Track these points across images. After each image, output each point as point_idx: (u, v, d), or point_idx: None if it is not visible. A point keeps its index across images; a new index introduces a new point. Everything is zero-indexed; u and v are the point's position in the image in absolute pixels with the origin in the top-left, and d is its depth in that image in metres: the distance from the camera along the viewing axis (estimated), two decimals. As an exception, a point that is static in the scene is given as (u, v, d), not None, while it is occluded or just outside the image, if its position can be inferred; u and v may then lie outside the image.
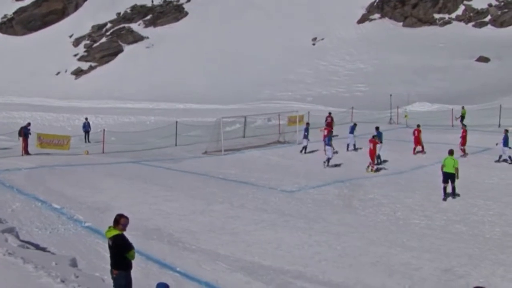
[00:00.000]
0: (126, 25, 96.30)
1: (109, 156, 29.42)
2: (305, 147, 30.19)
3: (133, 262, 9.58)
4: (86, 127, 37.41)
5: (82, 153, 29.87)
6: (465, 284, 12.21)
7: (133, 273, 9.79)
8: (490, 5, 79.38)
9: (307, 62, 75.21)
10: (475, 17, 78.38)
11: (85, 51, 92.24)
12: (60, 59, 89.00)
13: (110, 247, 9.39)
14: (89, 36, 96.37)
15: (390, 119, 42.13)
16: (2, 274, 8.94)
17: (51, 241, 14.56)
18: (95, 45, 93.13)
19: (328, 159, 26.46)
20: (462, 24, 78.30)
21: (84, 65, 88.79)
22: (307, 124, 31.36)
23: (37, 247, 13.33)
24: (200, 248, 14.58)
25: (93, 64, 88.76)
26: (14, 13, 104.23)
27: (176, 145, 33.55)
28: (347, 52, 77.12)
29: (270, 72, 72.05)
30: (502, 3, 79.03)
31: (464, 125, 32.64)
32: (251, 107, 53.36)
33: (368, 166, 25.34)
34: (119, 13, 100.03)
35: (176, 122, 35.25)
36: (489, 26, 76.02)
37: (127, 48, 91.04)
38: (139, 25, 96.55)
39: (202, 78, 72.96)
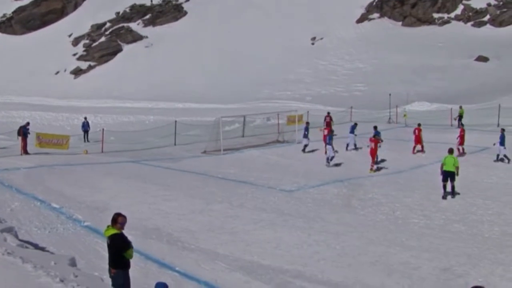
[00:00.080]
0: (125, 24, 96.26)
1: (108, 155, 29.40)
2: (305, 146, 30.20)
3: (132, 261, 9.58)
4: (85, 127, 37.42)
5: (81, 153, 29.86)
6: (464, 284, 12.21)
7: (132, 272, 9.80)
8: (489, 4, 79.41)
9: (306, 61, 75.21)
10: (474, 16, 78.40)
11: (84, 51, 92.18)
12: (59, 58, 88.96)
13: (108, 246, 9.41)
14: (88, 35, 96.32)
15: (389, 118, 42.14)
16: (1, 273, 8.93)
17: (50, 240, 14.56)
18: (94, 44, 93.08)
19: (331, 158, 26.43)
20: (461, 23, 78.32)
21: (83, 65, 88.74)
22: (307, 123, 31.37)
23: (36, 246, 13.32)
24: (199, 248, 14.58)
25: (92, 63, 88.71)
26: (13, 12, 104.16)
27: (175, 144, 33.54)
28: (346, 51, 77.12)
29: (269, 72, 72.04)
30: (501, 3, 79.05)
31: (462, 125, 32.70)
32: (250, 106, 53.38)
33: (372, 167, 25.34)
34: (118, 13, 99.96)
35: (175, 121, 35.25)
36: (488, 25, 76.05)
37: (126, 48, 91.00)
38: (138, 24, 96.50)
39: (201, 78, 72.94)
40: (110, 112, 53.62)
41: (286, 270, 13.19)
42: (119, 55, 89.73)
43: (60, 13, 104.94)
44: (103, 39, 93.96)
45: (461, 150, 27.80)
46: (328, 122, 35.99)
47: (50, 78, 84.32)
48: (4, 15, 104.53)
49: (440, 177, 20.49)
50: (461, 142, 28.10)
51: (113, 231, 9.33)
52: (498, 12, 77.42)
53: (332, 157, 26.50)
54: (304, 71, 73.03)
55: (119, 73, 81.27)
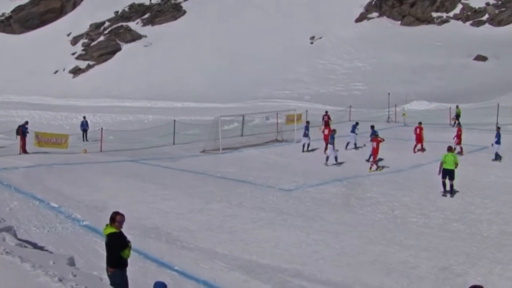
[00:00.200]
0: (124, 23, 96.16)
1: (107, 154, 29.39)
2: (307, 145, 30.21)
3: (131, 260, 9.58)
4: (84, 126, 37.42)
5: (80, 152, 29.83)
6: (462, 283, 12.21)
7: (131, 272, 9.80)
8: (487, 4, 79.44)
9: (305, 61, 75.19)
10: (472, 15, 78.43)
11: (83, 50, 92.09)
12: (58, 57, 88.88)
13: (106, 244, 9.42)
14: (87, 34, 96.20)
15: (388, 117, 42.19)
16: (0, 273, 8.93)
17: (49, 240, 14.55)
18: (93, 43, 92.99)
19: (335, 157, 26.42)
20: (460, 22, 78.33)
21: (82, 64, 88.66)
22: (307, 122, 31.39)
23: (34, 246, 13.30)
24: (198, 247, 14.57)
25: (91, 62, 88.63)
26: (12, 11, 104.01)
27: (174, 143, 33.54)
28: (345, 50, 77.12)
29: (268, 71, 72.02)
30: (500, 2, 79.04)
31: (459, 124, 32.75)
32: (249, 105, 53.42)
33: (378, 166, 25.34)
34: (117, 12, 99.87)
35: (174, 120, 35.26)
36: (486, 25, 76.08)
37: (125, 47, 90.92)
38: (137, 23, 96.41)
39: (200, 77, 72.90)
40: (109, 111, 53.66)
41: (285, 269, 13.18)
42: (118, 54, 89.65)
43: (59, 12, 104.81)
44: (102, 38, 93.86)
45: (459, 150, 27.86)
46: (326, 121, 36.05)
47: (49, 77, 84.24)
48: (3, 14, 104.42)
49: (439, 176, 20.52)
50: (458, 142, 28.16)
51: (111, 230, 9.35)
52: (496, 11, 77.45)
53: (336, 157, 26.47)
54: (303, 70, 73.01)
55: (118, 72, 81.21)
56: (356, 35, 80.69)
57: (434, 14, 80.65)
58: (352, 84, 66.85)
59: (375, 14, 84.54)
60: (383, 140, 26.03)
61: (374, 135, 26.15)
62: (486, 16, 77.50)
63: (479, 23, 76.54)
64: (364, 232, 16.17)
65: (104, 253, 9.60)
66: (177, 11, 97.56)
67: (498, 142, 26.52)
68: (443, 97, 51.48)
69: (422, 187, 21.92)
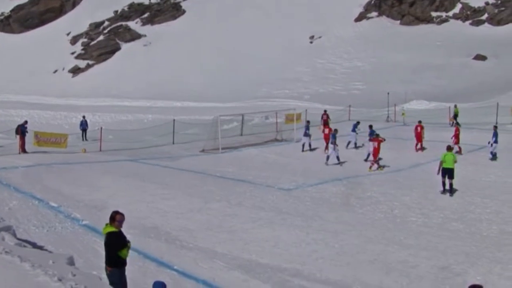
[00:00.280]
0: (123, 23, 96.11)
1: (107, 154, 29.38)
2: (309, 145, 30.18)
3: (130, 260, 9.57)
4: (84, 125, 37.40)
5: (80, 151, 29.83)
6: (462, 282, 12.21)
7: (130, 271, 9.78)
8: (487, 3, 79.43)
9: (305, 60, 75.18)
10: (472, 15, 78.42)
11: (82, 49, 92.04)
12: (58, 57, 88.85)
13: (105, 243, 9.42)
14: (86, 34, 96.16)
15: (388, 117, 42.18)
16: (-1, 272, 8.92)
17: (48, 239, 14.54)
18: (92, 43, 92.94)
19: (337, 157, 26.42)
20: (459, 22, 78.32)
21: (82, 63, 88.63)
22: (308, 122, 31.39)
23: (34, 245, 13.29)
24: (198, 246, 14.57)
25: (90, 62, 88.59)
26: (11, 11, 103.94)
27: (173, 143, 33.53)
28: (344, 50, 77.10)
29: (267, 70, 72.00)
30: (499, 2, 79.00)
31: (458, 124, 32.75)
32: (249, 105, 53.40)
33: (379, 166, 25.35)
34: (116, 11, 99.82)
35: (174, 120, 35.25)
36: (486, 24, 76.06)
37: (125, 46, 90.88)
38: (136, 23, 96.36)
39: (200, 76, 72.88)
40: (108, 111, 53.64)
41: (285, 269, 13.18)
42: (117, 54, 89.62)
43: (59, 12, 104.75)
44: (101, 37, 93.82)
45: (457, 149, 27.87)
46: (325, 120, 36.05)
47: (48, 77, 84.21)
48: (2, 13, 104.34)
49: (438, 175, 20.53)
50: (456, 142, 28.15)
51: (110, 229, 9.34)
52: (496, 10, 77.44)
53: (337, 157, 26.46)
54: (303, 69, 72.99)
55: (117, 71, 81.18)
56: (356, 34, 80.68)
57: (434, 14, 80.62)
58: (351, 83, 66.83)
59: (374, 13, 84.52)
60: (384, 140, 26.03)
61: (375, 135, 26.14)
62: (486, 15, 77.48)
63: (478, 23, 76.52)
64: (363, 231, 16.17)
65: (103, 252, 9.58)
66: (176, 11, 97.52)
67: (496, 141, 26.57)
68: (442, 96, 51.48)
69: (422, 186, 21.91)
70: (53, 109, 55.03)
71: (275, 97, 61.44)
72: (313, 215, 17.69)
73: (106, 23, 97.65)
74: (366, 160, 26.95)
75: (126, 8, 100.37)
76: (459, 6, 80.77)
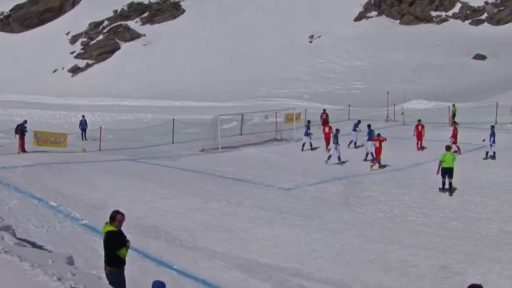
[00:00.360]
0: (123, 22, 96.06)
1: (106, 153, 29.37)
2: (310, 144, 30.16)
3: (130, 259, 9.56)
4: (83, 125, 37.37)
5: (79, 151, 29.82)
6: (461, 281, 12.21)
7: (130, 270, 9.78)
8: (486, 2, 79.43)
9: (304, 59, 75.18)
10: (471, 14, 78.41)
11: (82, 49, 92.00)
12: (57, 56, 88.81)
13: (103, 242, 9.42)
14: (86, 33, 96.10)
15: (387, 116, 42.19)
16: (-2, 272, 8.92)
17: (47, 239, 14.54)
18: (92, 42, 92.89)
19: (338, 157, 26.42)
20: (458, 21, 78.31)
21: (81, 63, 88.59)
22: (308, 122, 31.38)
23: (33, 245, 13.29)
24: (197, 246, 14.57)
25: (90, 61, 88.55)
26: (11, 10, 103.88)
27: (173, 142, 33.52)
28: (344, 49, 77.10)
29: (267, 70, 71.99)
30: (499, 1, 79.00)
31: (455, 123, 32.76)
32: (248, 104, 53.38)
33: (380, 165, 25.35)
34: (116, 11, 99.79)
35: (173, 119, 35.24)
36: (485, 23, 76.06)
37: (124, 46, 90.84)
38: (136, 22, 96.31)
39: (199, 76, 72.87)
40: (108, 110, 53.63)
41: (284, 268, 13.18)
42: (117, 53, 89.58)
43: (58, 11, 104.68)
44: (101, 37, 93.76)
45: (455, 148, 27.88)
46: (325, 119, 36.05)
47: (48, 76, 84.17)
48: (2, 13, 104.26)
49: (438, 175, 20.54)
50: (454, 141, 28.15)
51: (109, 228, 9.33)
52: (495, 10, 77.44)
53: (339, 156, 26.46)
54: (302, 69, 73.00)
55: (117, 71, 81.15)
56: (355, 34, 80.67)
57: (433, 13, 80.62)
58: (351, 83, 66.85)
59: (374, 13, 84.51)
60: (386, 139, 26.05)
61: (377, 135, 26.13)
62: (485, 15, 77.48)
63: (478, 22, 76.53)
64: (363, 230, 16.17)
65: (103, 252, 9.58)
66: (176, 10, 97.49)
67: (494, 141, 26.60)
68: (442, 96, 51.50)
69: (421, 185, 21.92)
70: (53, 109, 55.01)
71: (275, 96, 61.42)
72: (313, 215, 17.69)
73: (106, 22, 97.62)
74: (365, 160, 26.96)
75: (125, 8, 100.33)
76: (458, 5, 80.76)
